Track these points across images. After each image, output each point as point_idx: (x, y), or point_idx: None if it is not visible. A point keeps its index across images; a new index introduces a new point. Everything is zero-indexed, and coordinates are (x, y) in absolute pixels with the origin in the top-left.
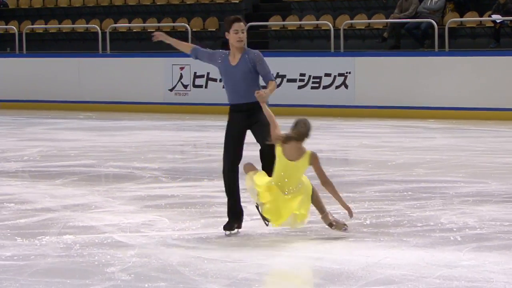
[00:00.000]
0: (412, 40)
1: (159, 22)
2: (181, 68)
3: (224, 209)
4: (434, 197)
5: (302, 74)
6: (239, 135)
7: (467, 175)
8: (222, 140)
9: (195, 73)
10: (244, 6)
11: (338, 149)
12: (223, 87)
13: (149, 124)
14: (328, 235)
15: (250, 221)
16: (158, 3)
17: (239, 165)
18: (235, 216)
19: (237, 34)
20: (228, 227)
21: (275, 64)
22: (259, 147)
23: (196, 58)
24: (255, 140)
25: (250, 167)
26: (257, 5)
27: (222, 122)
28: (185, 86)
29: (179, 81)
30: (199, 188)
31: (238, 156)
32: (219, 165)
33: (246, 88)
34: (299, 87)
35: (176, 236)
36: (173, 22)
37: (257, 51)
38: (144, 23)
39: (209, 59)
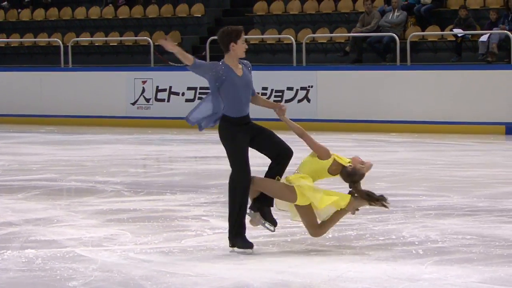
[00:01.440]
0: (374, 54)
1: (121, 36)
2: (143, 82)
3: (187, 222)
4: (396, 211)
5: (265, 88)
6: (247, 148)
7: (429, 189)
8: (185, 154)
9: (157, 87)
10: (207, 20)
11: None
12: (205, 102)
13: (111, 138)
14: (291, 249)
15: (213, 235)
16: (120, 17)
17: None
18: (242, 232)
19: (244, 44)
20: (249, 246)
21: None
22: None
23: (194, 70)
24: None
25: (264, 180)
26: (219, 19)
27: (184, 136)
28: (147, 100)
29: (141, 95)
30: (161, 202)
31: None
32: (181, 179)
33: (248, 99)
34: None
35: (138, 250)
36: (135, 36)
37: (247, 61)
38: (106, 37)
39: (207, 71)
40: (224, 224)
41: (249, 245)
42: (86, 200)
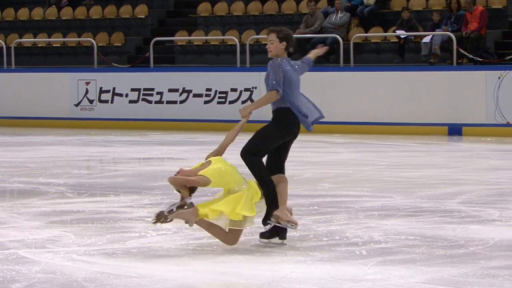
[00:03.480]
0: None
1: (64, 37)
2: (87, 83)
3: (130, 224)
4: (340, 212)
5: (208, 89)
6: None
7: (372, 190)
8: (128, 155)
9: (101, 88)
10: (150, 21)
11: (243, 164)
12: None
13: (55, 139)
14: (235, 250)
15: (157, 236)
16: (63, 18)
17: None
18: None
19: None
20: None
21: (181, 79)
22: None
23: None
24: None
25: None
26: (163, 20)
27: (128, 137)
28: (91, 101)
29: (84, 96)
30: (105, 203)
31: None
32: (125, 180)
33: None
34: (205, 102)
35: (81, 251)
36: (79, 37)
37: (275, 60)
38: (49, 38)
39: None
40: (167, 226)
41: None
42: (29, 201)
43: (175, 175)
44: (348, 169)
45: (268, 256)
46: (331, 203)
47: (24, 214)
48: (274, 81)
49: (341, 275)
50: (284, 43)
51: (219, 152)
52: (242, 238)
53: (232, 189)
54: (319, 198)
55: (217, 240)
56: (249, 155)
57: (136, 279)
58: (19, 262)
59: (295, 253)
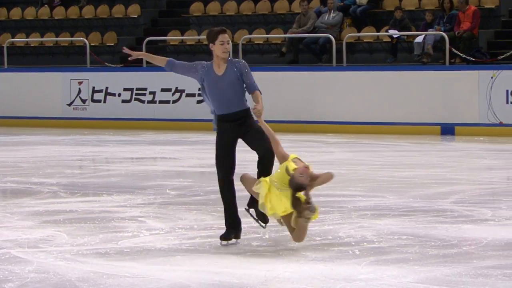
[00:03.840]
0: (310, 55)
1: (57, 37)
2: (80, 83)
3: (123, 224)
4: (333, 211)
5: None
6: (232, 144)
7: (365, 189)
8: (121, 155)
9: (93, 87)
10: (143, 21)
11: (237, 163)
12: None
13: (47, 139)
14: (228, 250)
15: (150, 236)
16: (56, 18)
17: (234, 175)
18: (232, 226)
19: (222, 45)
20: (224, 237)
21: (173, 79)
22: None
23: (171, 70)
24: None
25: (248, 178)
26: (155, 19)
27: (121, 137)
28: (84, 101)
29: (77, 95)
30: (98, 203)
31: (232, 165)
32: (118, 180)
33: (234, 97)
34: (198, 102)
35: (74, 251)
36: (71, 37)
37: (243, 60)
38: (42, 37)
39: (187, 71)
40: (160, 225)
41: (224, 237)
42: (22, 201)
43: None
44: (341, 168)
45: (261, 255)
46: (324, 203)
47: (17, 214)
48: (254, 81)
49: (334, 275)
50: None
51: (277, 142)
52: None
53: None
54: (312, 198)
55: (210, 240)
56: None
57: (129, 278)
58: (12, 262)
59: (288, 253)
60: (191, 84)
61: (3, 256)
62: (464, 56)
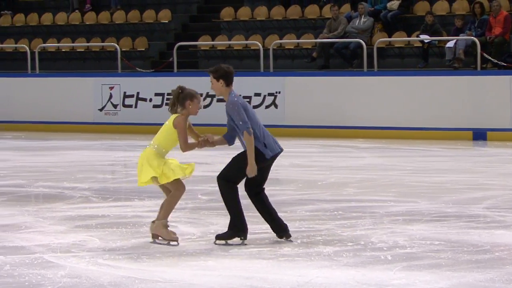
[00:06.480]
0: (341, 60)
1: (88, 42)
2: (111, 88)
3: None
4: (364, 217)
5: None
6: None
7: (396, 194)
8: None
9: (124, 92)
10: (174, 26)
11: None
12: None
13: (79, 144)
14: (259, 255)
15: (181, 241)
16: (87, 23)
17: None
18: (242, 229)
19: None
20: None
21: (204, 84)
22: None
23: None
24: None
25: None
26: (186, 24)
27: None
28: (115, 106)
29: (108, 100)
30: (129, 208)
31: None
32: (149, 185)
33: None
34: None
35: (107, 256)
36: (102, 42)
37: (230, 101)
38: (73, 42)
39: (246, 111)
40: (192, 230)
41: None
42: (54, 206)
43: None
44: (373, 174)
45: (293, 261)
46: (355, 208)
47: (49, 219)
48: (240, 121)
49: (366, 280)
50: (222, 81)
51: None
52: (266, 243)
53: None
54: (344, 203)
55: (242, 245)
56: (224, 182)
57: (161, 283)
58: (44, 267)
59: (320, 258)
60: None
61: (36, 260)
62: (495, 61)
